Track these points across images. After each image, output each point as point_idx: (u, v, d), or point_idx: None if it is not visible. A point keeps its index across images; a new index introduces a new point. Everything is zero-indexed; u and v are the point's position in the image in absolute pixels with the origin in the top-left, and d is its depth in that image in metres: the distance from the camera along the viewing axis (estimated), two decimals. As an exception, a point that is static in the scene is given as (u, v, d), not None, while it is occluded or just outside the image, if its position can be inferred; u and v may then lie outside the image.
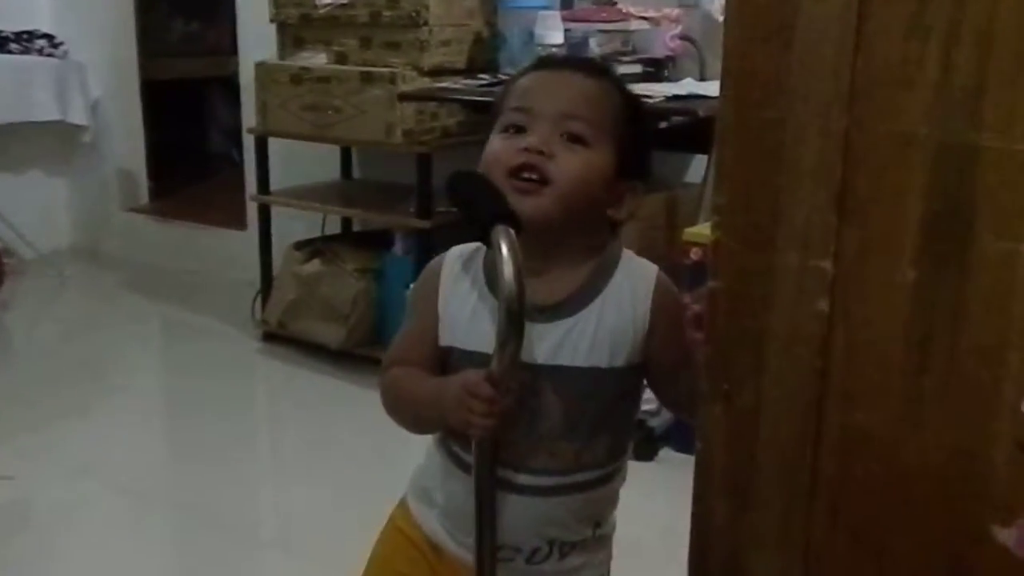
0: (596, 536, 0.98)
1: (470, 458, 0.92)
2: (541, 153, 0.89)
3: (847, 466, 0.64)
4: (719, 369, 0.68)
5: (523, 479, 0.93)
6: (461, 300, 0.95)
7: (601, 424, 0.94)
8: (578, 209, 0.91)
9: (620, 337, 0.92)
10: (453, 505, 0.97)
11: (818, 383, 0.63)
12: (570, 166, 0.90)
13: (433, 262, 1.00)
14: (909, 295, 0.59)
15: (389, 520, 1.06)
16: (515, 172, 0.90)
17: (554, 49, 2.39)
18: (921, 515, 0.61)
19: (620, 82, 0.98)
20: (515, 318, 0.84)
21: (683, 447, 2.07)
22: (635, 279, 0.94)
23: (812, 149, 0.62)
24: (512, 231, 0.85)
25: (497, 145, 0.92)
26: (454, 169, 0.92)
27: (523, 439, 0.92)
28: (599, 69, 0.98)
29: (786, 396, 0.65)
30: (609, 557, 1.01)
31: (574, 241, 0.93)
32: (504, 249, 0.84)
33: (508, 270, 0.83)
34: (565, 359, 0.91)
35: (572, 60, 1.10)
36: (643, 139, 0.97)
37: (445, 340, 0.95)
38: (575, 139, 0.90)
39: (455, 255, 0.98)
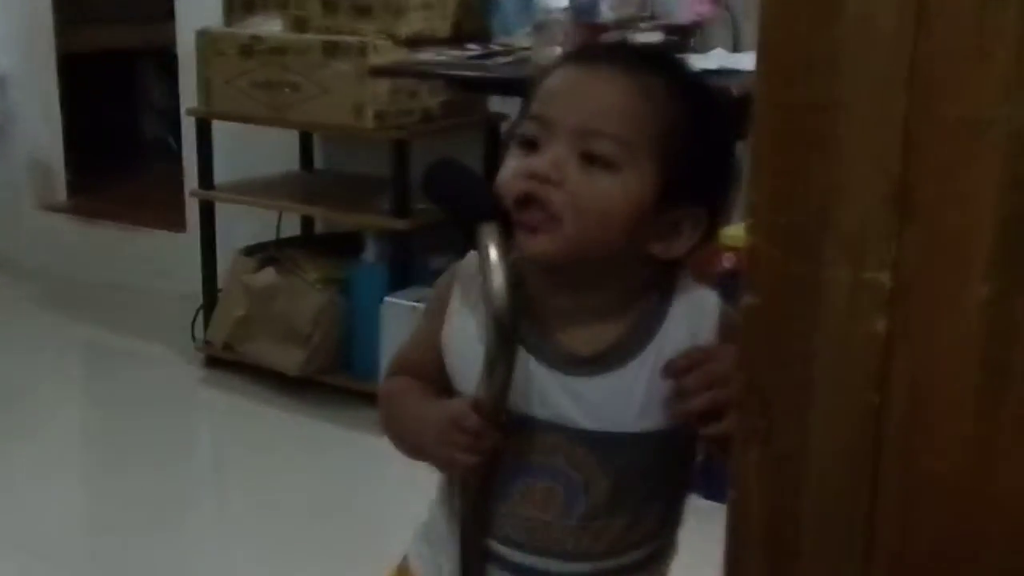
0: None
1: (486, 539, 0.93)
2: (549, 180, 0.85)
3: (910, 521, 0.64)
4: (755, 404, 0.68)
5: (555, 566, 0.92)
6: (466, 322, 0.93)
7: (654, 494, 0.94)
8: (601, 248, 0.87)
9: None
10: None
11: (874, 421, 0.63)
12: (584, 199, 0.85)
13: (444, 276, 0.99)
14: (982, 314, 0.59)
15: None
16: (519, 203, 0.86)
17: (557, 14, 2.41)
18: (1002, 580, 0.61)
19: (683, 77, 0.92)
20: (505, 334, 0.84)
21: (713, 494, 2.06)
22: (694, 317, 0.91)
23: (866, 138, 0.62)
24: (500, 231, 0.85)
25: (506, 166, 0.89)
26: (435, 159, 0.92)
27: (558, 520, 0.91)
28: (650, 61, 0.91)
29: (836, 436, 0.65)
30: None
31: (612, 282, 0.90)
32: (491, 253, 0.84)
33: (497, 278, 0.84)
34: (612, 423, 0.90)
35: (615, 51, 0.95)
36: (710, 153, 0.90)
37: (457, 383, 0.94)
38: (597, 161, 0.85)
39: (469, 268, 0.94)
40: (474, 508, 0.93)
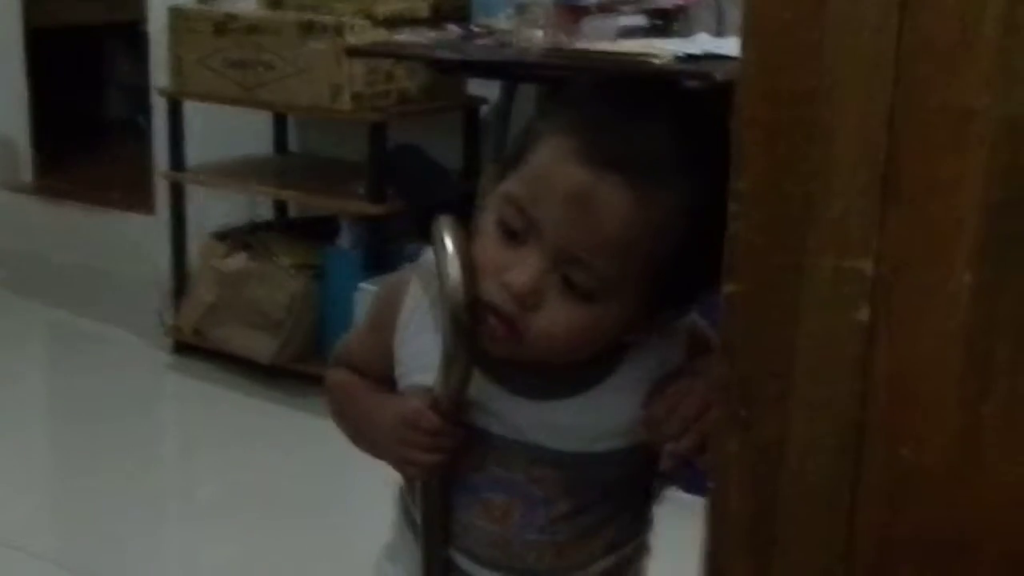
0: None
1: (448, 550, 0.92)
2: (521, 303, 0.80)
3: (891, 512, 0.64)
4: (735, 393, 0.68)
5: None
6: (423, 333, 0.90)
7: (619, 506, 0.93)
8: (567, 359, 0.85)
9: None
10: None
11: (856, 411, 0.64)
12: (555, 330, 0.81)
13: (397, 279, 0.96)
14: (966, 303, 0.60)
15: None
16: (488, 310, 0.82)
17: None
18: (986, 572, 0.62)
19: (698, 182, 0.78)
20: (462, 329, 0.82)
21: (694, 487, 2.08)
22: (665, 335, 0.89)
23: (850, 126, 0.63)
24: (457, 222, 0.83)
25: (484, 249, 0.83)
26: (415, 143, 0.91)
27: (517, 535, 0.90)
28: (666, 169, 0.79)
29: (818, 426, 0.66)
30: None
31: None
32: (449, 246, 0.82)
33: (452, 271, 0.82)
34: (575, 444, 0.88)
35: (627, 155, 0.78)
36: (703, 264, 0.76)
37: (404, 379, 0.92)
38: (575, 287, 0.80)
39: (425, 272, 0.90)
40: (436, 511, 0.91)
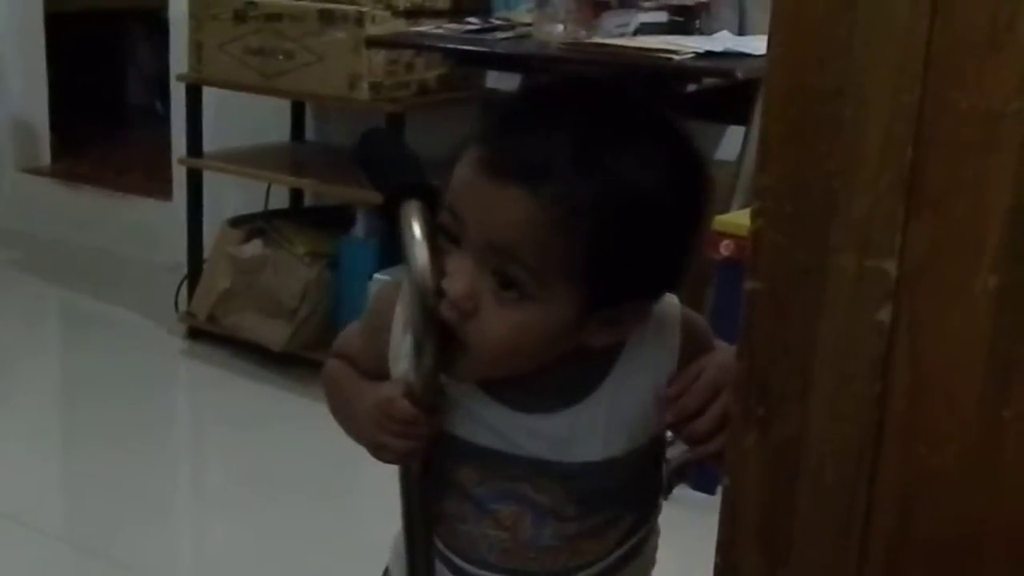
0: None
1: (461, 562, 0.92)
2: (457, 309, 0.80)
3: (909, 516, 0.64)
4: (754, 390, 0.68)
5: None
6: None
7: (626, 507, 0.93)
8: (521, 367, 0.84)
9: (642, 411, 0.88)
10: None
11: (875, 412, 0.64)
12: (493, 335, 0.80)
13: (389, 287, 0.94)
14: (990, 306, 0.60)
15: None
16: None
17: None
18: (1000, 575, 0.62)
19: (623, 175, 0.79)
20: (429, 314, 0.81)
21: (704, 485, 2.08)
22: (655, 334, 0.88)
23: (877, 125, 0.62)
24: (424, 208, 0.83)
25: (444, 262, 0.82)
26: (432, 134, 0.92)
27: (530, 543, 0.90)
28: (605, 144, 0.79)
29: (835, 426, 0.65)
30: None
31: (554, 368, 0.86)
32: (415, 231, 0.82)
33: (420, 254, 0.81)
34: (576, 455, 0.88)
35: (536, 144, 0.79)
36: (653, 247, 0.81)
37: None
38: (509, 285, 0.79)
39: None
40: (417, 500, 0.91)
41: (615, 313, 0.84)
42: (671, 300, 0.90)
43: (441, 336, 0.82)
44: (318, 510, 2.18)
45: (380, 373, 0.92)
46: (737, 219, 1.95)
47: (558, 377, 0.87)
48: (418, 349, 0.83)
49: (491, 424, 0.88)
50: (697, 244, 0.85)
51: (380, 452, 0.89)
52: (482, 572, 0.92)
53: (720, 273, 1.97)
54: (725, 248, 1.99)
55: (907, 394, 0.63)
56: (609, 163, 0.78)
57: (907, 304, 0.62)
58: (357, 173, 0.96)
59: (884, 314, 0.63)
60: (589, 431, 0.88)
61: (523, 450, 0.88)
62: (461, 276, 0.80)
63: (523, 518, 0.90)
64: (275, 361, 2.76)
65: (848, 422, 0.65)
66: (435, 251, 0.82)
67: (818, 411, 0.66)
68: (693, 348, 0.89)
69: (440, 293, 0.81)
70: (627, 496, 0.93)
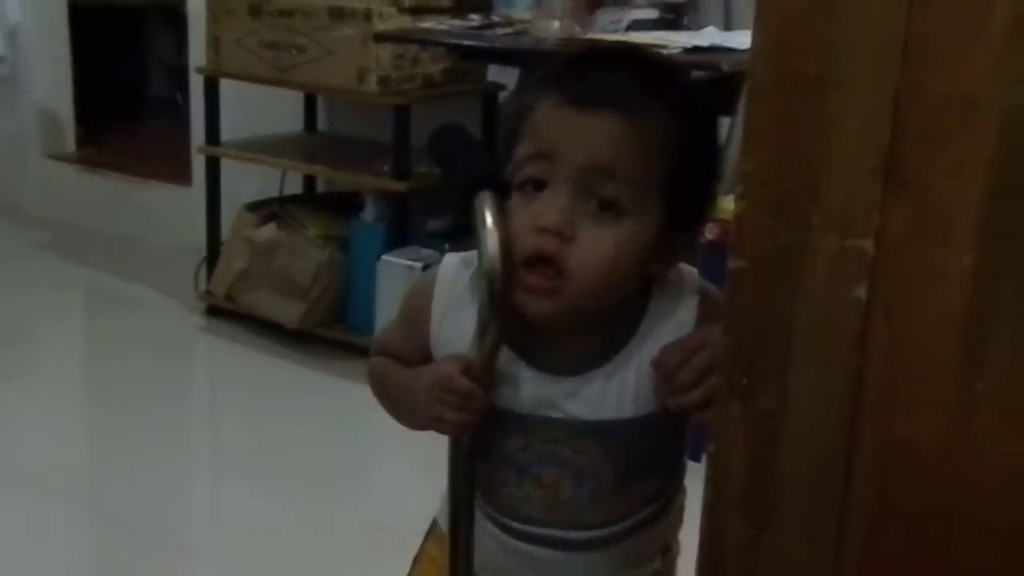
0: (666, 561, 0.99)
1: (506, 520, 0.93)
2: (559, 234, 0.81)
3: (886, 485, 0.64)
4: (738, 362, 0.67)
5: (576, 535, 0.93)
6: (461, 328, 0.90)
7: (658, 464, 0.94)
8: (603, 300, 0.85)
9: None
10: (493, 564, 0.96)
11: (853, 384, 0.63)
12: (596, 254, 0.82)
13: (422, 283, 0.96)
14: (964, 284, 0.59)
15: (420, 559, 1.05)
16: (528, 264, 0.82)
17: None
18: (970, 549, 0.61)
19: (683, 101, 0.86)
20: (495, 298, 0.83)
21: (691, 453, 2.08)
22: (676, 300, 0.90)
23: (857, 111, 0.61)
24: (496, 197, 0.84)
25: (515, 217, 0.83)
26: (437, 124, 0.91)
27: (572, 499, 0.92)
28: (654, 89, 0.85)
29: (815, 398, 0.65)
30: None
31: (609, 309, 0.88)
32: (488, 220, 0.83)
33: (491, 243, 0.82)
34: (610, 413, 0.89)
35: (610, 80, 0.84)
36: (706, 178, 0.88)
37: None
38: (608, 206, 0.82)
39: (449, 275, 0.92)
40: (463, 471, 0.92)
41: (676, 239, 0.87)
42: (690, 270, 0.92)
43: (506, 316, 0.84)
44: (328, 476, 2.18)
45: (420, 360, 0.94)
46: (722, 204, 1.94)
47: (589, 340, 0.89)
48: (482, 329, 0.85)
49: (533, 391, 0.89)
50: (712, 199, 0.91)
51: (438, 424, 0.90)
52: (526, 527, 0.94)
53: (706, 254, 1.96)
54: (710, 231, 1.98)
55: (883, 368, 0.62)
56: (670, 97, 0.86)
57: (884, 282, 0.62)
58: (432, 166, 0.98)
59: (861, 291, 0.62)
60: (620, 390, 0.89)
61: (562, 413, 0.89)
62: (554, 207, 0.82)
63: (563, 478, 0.91)
64: (289, 337, 2.76)
65: (827, 394, 0.64)
66: (504, 240, 0.82)
67: (798, 383, 0.65)
68: (709, 316, 0.89)
69: (508, 276, 0.82)
70: (658, 455, 0.94)
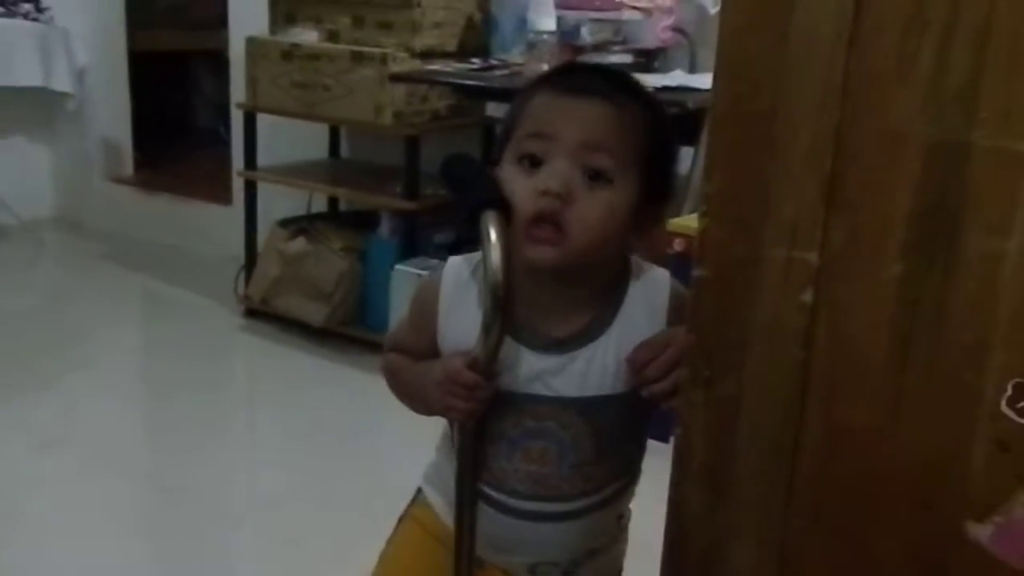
0: (620, 527, 0.99)
1: (493, 493, 0.92)
2: (559, 196, 0.82)
3: (827, 461, 0.63)
4: (701, 356, 0.67)
5: (556, 507, 0.92)
6: (465, 319, 0.90)
7: (629, 439, 0.94)
8: (597, 253, 0.86)
9: None
10: (478, 531, 0.95)
11: (800, 375, 0.63)
12: (590, 214, 0.83)
13: (429, 281, 0.95)
14: (894, 290, 0.59)
15: (405, 519, 1.04)
16: (533, 221, 0.83)
17: (546, 36, 2.38)
18: (899, 513, 0.61)
19: (649, 97, 0.90)
20: (498, 303, 0.82)
21: (660, 435, 2.08)
22: (649, 294, 0.90)
23: (803, 142, 0.61)
24: (501, 217, 0.83)
25: (516, 185, 0.85)
26: (443, 153, 0.90)
27: (554, 472, 0.91)
28: (626, 87, 0.88)
29: (768, 386, 0.65)
30: (627, 541, 1.02)
31: (594, 275, 0.89)
32: (492, 235, 0.82)
33: (495, 255, 0.82)
34: (591, 389, 0.89)
35: (594, 77, 0.88)
36: (670, 159, 0.91)
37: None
38: (598, 175, 0.84)
39: (453, 273, 0.93)
40: (470, 452, 0.91)
41: (647, 213, 0.87)
42: (663, 270, 0.93)
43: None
44: (347, 453, 2.17)
45: (429, 354, 0.93)
46: (687, 221, 1.94)
47: (575, 320, 0.89)
48: (486, 329, 0.84)
49: (523, 369, 0.89)
50: (673, 178, 0.91)
51: (447, 412, 0.89)
52: (510, 500, 0.92)
53: (673, 265, 1.96)
54: (677, 244, 1.98)
55: (825, 361, 0.62)
56: (641, 92, 0.89)
57: (826, 288, 0.62)
58: (442, 188, 0.97)
59: (807, 296, 0.62)
60: (603, 367, 0.89)
61: (552, 390, 0.89)
62: (555, 173, 0.83)
63: (549, 452, 0.90)
64: (315, 335, 2.75)
65: (778, 383, 0.64)
66: (505, 253, 0.82)
67: (753, 374, 0.65)
68: (678, 308, 0.89)
69: (508, 286, 0.82)
70: (632, 429, 0.93)
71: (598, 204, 0.83)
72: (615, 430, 0.91)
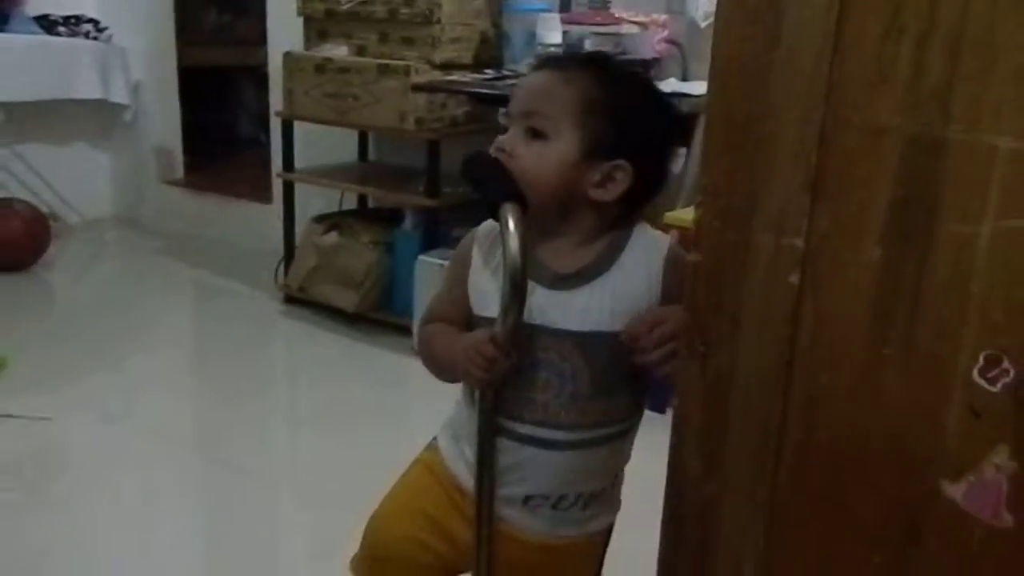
0: (612, 487, 0.99)
1: (499, 418, 0.93)
2: (504, 151, 0.89)
3: (811, 428, 0.63)
4: (696, 333, 0.67)
5: (557, 435, 0.93)
6: (487, 275, 0.94)
7: (624, 384, 0.94)
8: (548, 196, 0.88)
9: (637, 302, 0.90)
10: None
11: (787, 349, 0.63)
12: (525, 162, 0.88)
13: (466, 238, 0.99)
14: (874, 272, 0.59)
15: (416, 462, 1.05)
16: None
17: (553, 48, 2.37)
18: (878, 474, 0.61)
19: (603, 67, 0.91)
20: (517, 288, 0.83)
21: (658, 407, 2.06)
22: (648, 248, 0.92)
23: (790, 138, 0.61)
24: (518, 208, 0.84)
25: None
26: (461, 154, 0.92)
27: (554, 400, 0.92)
28: (577, 61, 0.93)
29: (757, 360, 0.64)
30: (618, 508, 1.02)
31: (573, 222, 0.91)
32: (510, 225, 0.83)
33: (513, 244, 0.83)
34: (590, 325, 0.90)
35: (558, 58, 1.00)
36: (623, 119, 0.89)
37: (475, 309, 0.95)
38: (536, 134, 0.89)
39: (484, 232, 0.97)
40: (490, 410, 0.93)
41: (605, 169, 0.88)
42: (667, 236, 0.95)
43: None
44: (378, 427, 2.17)
45: (463, 316, 0.95)
46: (682, 215, 1.93)
47: (578, 262, 0.91)
48: (504, 312, 0.85)
49: (533, 302, 0.90)
50: (653, 138, 0.91)
51: (468, 378, 0.92)
52: (514, 424, 0.93)
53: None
54: (673, 236, 1.97)
55: (811, 337, 0.62)
56: (600, 67, 0.92)
57: (811, 270, 0.61)
58: (461, 187, 1.01)
59: (794, 278, 0.62)
60: (600, 305, 0.90)
61: (556, 324, 0.90)
62: (508, 137, 0.90)
63: (551, 382, 0.91)
64: (347, 319, 2.75)
65: (766, 357, 0.64)
66: (523, 242, 0.84)
67: (744, 349, 0.65)
68: (672, 264, 0.91)
69: (525, 271, 0.85)
70: (624, 374, 0.92)
71: (532, 155, 0.88)
72: (610, 369, 0.92)
